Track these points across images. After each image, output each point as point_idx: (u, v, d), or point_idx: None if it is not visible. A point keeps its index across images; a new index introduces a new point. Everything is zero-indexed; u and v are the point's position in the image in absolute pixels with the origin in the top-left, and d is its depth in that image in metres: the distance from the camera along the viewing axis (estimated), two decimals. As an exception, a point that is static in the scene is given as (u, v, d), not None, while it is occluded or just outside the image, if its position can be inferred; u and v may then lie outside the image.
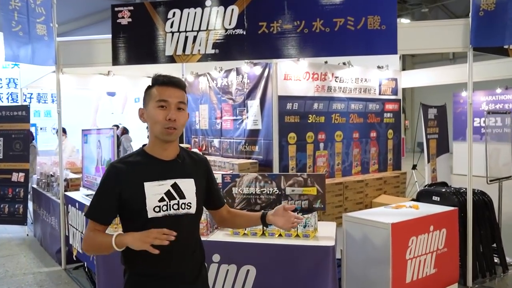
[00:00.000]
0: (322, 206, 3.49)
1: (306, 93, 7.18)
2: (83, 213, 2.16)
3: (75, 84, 7.91)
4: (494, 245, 4.83)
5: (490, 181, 5.10)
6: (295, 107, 7.05)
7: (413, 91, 24.69)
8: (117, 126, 9.95)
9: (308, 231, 3.36)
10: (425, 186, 5.04)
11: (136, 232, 1.72)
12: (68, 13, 12.94)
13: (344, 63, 7.62)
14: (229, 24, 4.62)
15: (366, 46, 4.47)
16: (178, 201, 1.86)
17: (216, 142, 8.20)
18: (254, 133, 7.24)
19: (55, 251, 5.47)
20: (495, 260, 4.84)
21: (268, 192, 3.55)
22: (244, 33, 4.62)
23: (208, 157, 7.64)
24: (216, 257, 3.29)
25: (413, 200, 7.31)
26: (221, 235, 3.49)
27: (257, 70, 7.11)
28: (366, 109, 8.01)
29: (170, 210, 1.83)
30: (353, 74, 7.74)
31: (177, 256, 1.85)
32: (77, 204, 4.65)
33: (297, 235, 3.39)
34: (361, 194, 7.44)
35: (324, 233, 3.48)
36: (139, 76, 8.56)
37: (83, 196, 4.82)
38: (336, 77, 7.53)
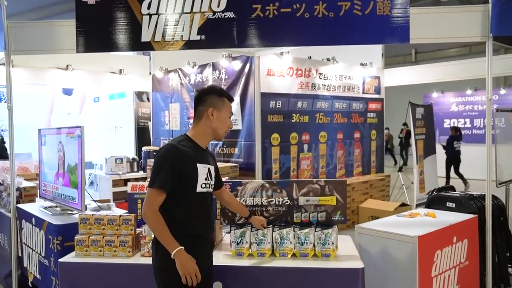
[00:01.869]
0: (342, 218, 2.90)
1: (290, 90, 6.63)
2: (147, 186, 2.39)
3: (28, 79, 6.95)
4: (508, 254, 4.43)
5: (499, 184, 4.72)
6: (279, 105, 6.48)
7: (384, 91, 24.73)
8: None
9: (329, 249, 2.77)
10: (434, 191, 4.59)
11: (185, 254, 2.20)
12: (23, 3, 11.71)
13: (328, 59, 7.15)
14: (218, 6, 3.96)
15: (374, 34, 3.93)
16: (210, 182, 2.40)
17: (189, 144, 7.48)
18: (233, 134, 6.60)
19: (3, 276, 4.58)
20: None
21: (277, 203, 2.93)
22: (235, 16, 3.99)
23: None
24: (217, 286, 2.64)
25: (403, 205, 6.95)
26: (221, 257, 2.84)
27: (237, 65, 6.49)
28: (350, 108, 7.56)
29: (209, 188, 2.40)
30: (337, 71, 7.28)
31: (210, 223, 2.48)
32: (33, 219, 3.82)
33: (315, 255, 2.79)
34: (348, 199, 6.95)
35: (344, 250, 2.90)
36: (102, 72, 7.72)
37: (40, 209, 3.99)
38: (320, 74, 7.03)
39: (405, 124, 15.67)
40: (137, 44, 4.06)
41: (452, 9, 3.95)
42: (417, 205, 6.40)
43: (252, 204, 2.95)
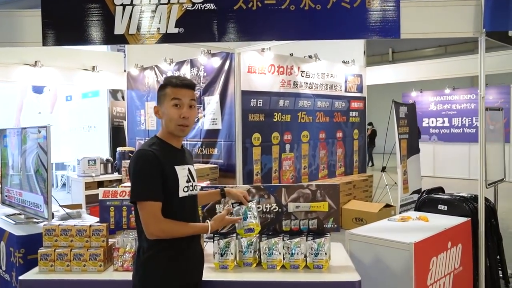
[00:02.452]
0: (335, 226, 2.67)
1: (272, 88, 6.40)
2: (130, 200, 2.03)
3: (-8, 76, 6.53)
4: (498, 257, 4.30)
5: (489, 184, 4.58)
6: (260, 104, 6.24)
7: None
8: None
9: (321, 260, 2.53)
10: (423, 193, 4.42)
11: (215, 223, 2.16)
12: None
13: (310, 56, 6.95)
14: (197, -3, 3.70)
15: (363, 28, 3.72)
16: (193, 183, 2.15)
17: (166, 144, 7.16)
18: (212, 134, 6.33)
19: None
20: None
21: (264, 209, 2.68)
22: (215, 8, 3.72)
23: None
24: (199, 303, 2.37)
25: (388, 206, 6.80)
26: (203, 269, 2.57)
27: (216, 61, 6.22)
28: (332, 107, 7.38)
29: (192, 190, 2.15)
30: (319, 69, 7.08)
31: None
32: (-5, 228, 3.48)
33: (306, 266, 2.56)
34: (331, 200, 6.76)
35: (337, 260, 2.67)
36: (73, 69, 7.31)
37: (2, 217, 3.63)
38: (302, 71, 6.82)
39: (370, 123, 15.58)
40: (110, 37, 3.74)
41: (443, 3, 3.77)
42: (401, 206, 6.28)
43: (237, 211, 2.68)
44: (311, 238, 2.55)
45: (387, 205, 6.66)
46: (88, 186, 6.79)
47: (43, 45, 3.72)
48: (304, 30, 3.81)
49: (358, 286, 2.38)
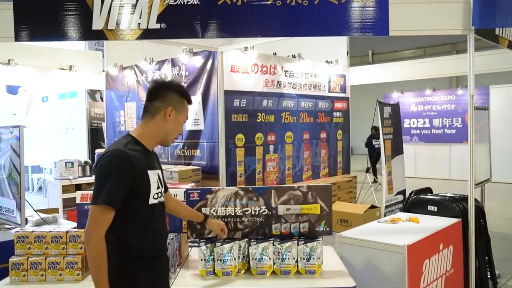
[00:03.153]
0: (327, 229, 2.55)
1: (255, 88, 6.28)
2: (90, 202, 1.85)
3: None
4: (486, 258, 4.26)
5: (476, 184, 4.54)
6: (243, 104, 6.10)
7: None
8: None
9: (314, 265, 2.41)
10: (411, 193, 4.35)
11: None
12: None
13: (293, 56, 6.85)
14: (180, -9, 3.55)
15: (352, 24, 3.63)
16: (161, 190, 2.01)
17: (146, 146, 6.96)
18: (194, 135, 6.16)
19: None
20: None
21: (253, 212, 2.54)
22: (199, 3, 3.58)
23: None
24: (185, 314, 2.22)
25: (373, 207, 6.74)
26: (188, 278, 2.43)
27: (198, 60, 6.06)
28: (316, 108, 7.30)
29: (161, 197, 2.00)
30: (303, 68, 6.99)
31: (164, 239, 2.06)
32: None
33: (298, 272, 2.43)
34: (316, 202, 6.67)
35: (329, 265, 2.55)
36: (49, 68, 7.05)
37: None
38: (286, 71, 6.72)
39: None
40: (88, 33, 3.57)
41: (432, 0, 3.71)
42: (386, 207, 6.23)
43: (224, 214, 2.54)
44: (303, 242, 2.43)
45: (372, 206, 6.60)
46: (65, 189, 6.55)
47: (16, 41, 3.51)
48: (290, 27, 3.69)
49: (353, 292, 2.26)
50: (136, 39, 3.60)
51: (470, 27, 3.62)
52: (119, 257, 1.86)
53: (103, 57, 7.84)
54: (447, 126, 12.78)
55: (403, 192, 6.82)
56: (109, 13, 3.52)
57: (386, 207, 6.23)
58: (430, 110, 13.18)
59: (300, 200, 2.55)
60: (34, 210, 3.29)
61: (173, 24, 3.58)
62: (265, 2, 3.59)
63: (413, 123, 13.50)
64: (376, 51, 22.98)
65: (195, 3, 3.58)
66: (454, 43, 19.73)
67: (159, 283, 2.00)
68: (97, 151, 7.26)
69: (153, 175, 1.93)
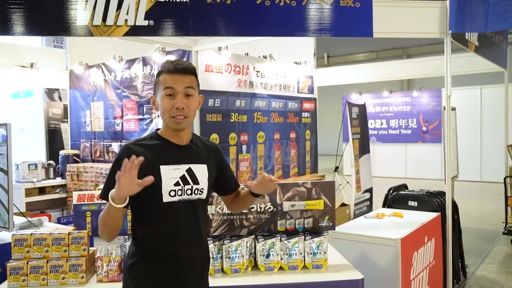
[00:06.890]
0: (331, 224, 2.62)
1: (229, 88, 6.27)
2: (98, 195, 2.01)
3: None
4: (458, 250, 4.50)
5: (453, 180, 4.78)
6: (217, 103, 6.08)
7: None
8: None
9: (320, 260, 2.47)
10: (391, 190, 4.52)
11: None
12: None
13: (265, 56, 6.91)
14: (168, -12, 3.51)
15: (339, 26, 3.74)
16: (192, 186, 1.87)
17: (115, 146, 6.78)
18: (168, 135, 6.06)
19: None
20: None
21: (258, 209, 2.56)
22: (188, 1, 3.55)
23: (105, 165, 6.28)
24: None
25: (343, 205, 6.91)
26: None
27: (171, 59, 5.97)
28: (286, 108, 7.39)
29: (184, 195, 1.85)
30: (273, 69, 7.06)
31: (187, 241, 1.86)
32: None
33: (305, 266, 2.47)
34: (288, 201, 6.75)
35: (332, 260, 2.61)
36: (8, 65, 6.69)
37: None
38: (258, 71, 6.76)
39: None
40: (72, 28, 3.45)
41: (411, 3, 3.88)
42: (355, 204, 6.42)
43: (229, 212, 2.54)
44: (309, 237, 2.48)
45: (343, 204, 6.76)
46: (28, 192, 6.26)
47: (-5, 35, 3.34)
48: (280, 27, 3.75)
49: (362, 284, 2.34)
50: (123, 35, 3.53)
51: (447, 31, 3.82)
52: (134, 255, 1.84)
53: (66, 54, 7.55)
54: (403, 126, 13.32)
55: (370, 190, 7.05)
56: (94, 8, 3.43)
57: (356, 204, 6.44)
58: (387, 111, 13.69)
59: (305, 196, 2.60)
60: (21, 212, 3.13)
61: (162, 21, 3.54)
62: (254, 2, 3.62)
63: (371, 124, 13.96)
64: (332, 54, 23.54)
65: (184, 0, 3.56)
66: (404, 47, 20.60)
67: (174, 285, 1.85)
68: (62, 152, 7.01)
69: (169, 170, 1.80)
